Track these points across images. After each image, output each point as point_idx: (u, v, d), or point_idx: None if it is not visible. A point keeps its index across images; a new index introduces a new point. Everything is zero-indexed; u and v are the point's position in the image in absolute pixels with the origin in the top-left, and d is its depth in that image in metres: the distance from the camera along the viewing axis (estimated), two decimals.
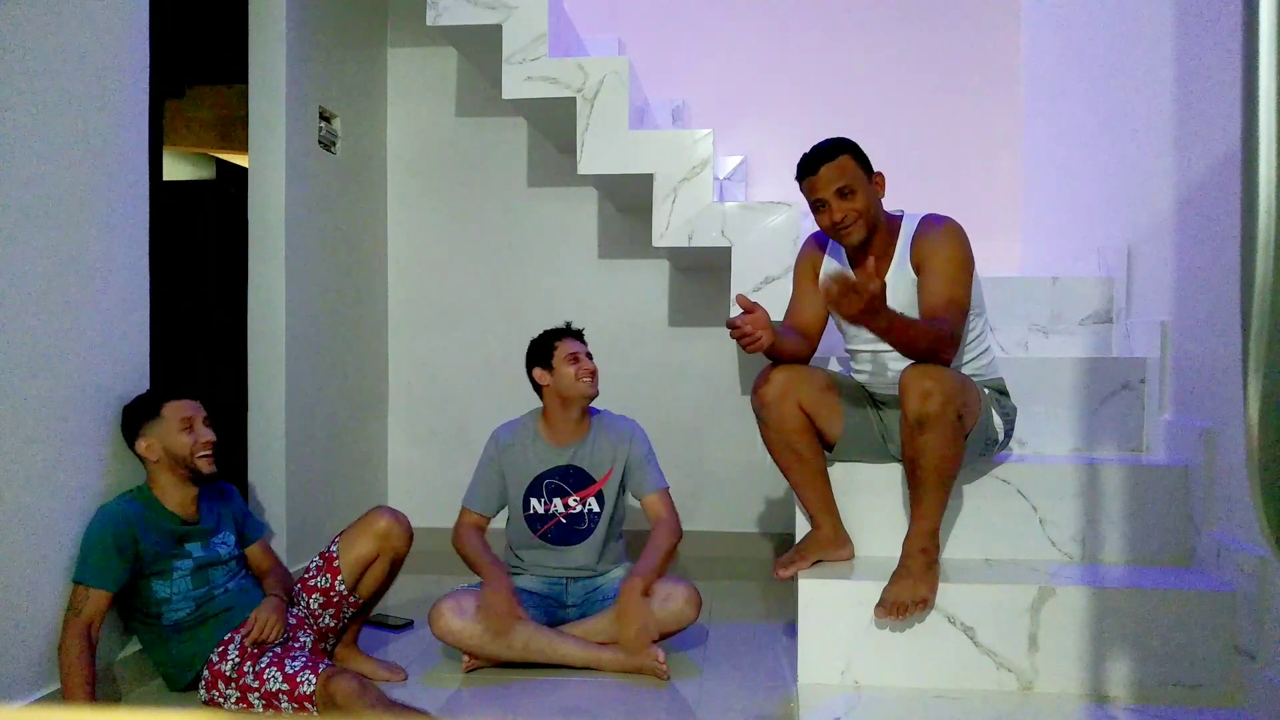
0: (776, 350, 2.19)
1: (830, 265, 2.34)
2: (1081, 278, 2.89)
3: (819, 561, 2.26)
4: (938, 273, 2.12)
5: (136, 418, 2.19)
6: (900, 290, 2.19)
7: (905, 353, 2.04)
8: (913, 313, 2.17)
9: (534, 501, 2.55)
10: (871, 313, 1.90)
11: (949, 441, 1.99)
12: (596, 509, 2.55)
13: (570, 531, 2.55)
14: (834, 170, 2.16)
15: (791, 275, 2.45)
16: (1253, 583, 1.91)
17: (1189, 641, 2.00)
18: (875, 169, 2.23)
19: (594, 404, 2.64)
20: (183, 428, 2.17)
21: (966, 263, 2.14)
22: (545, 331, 2.64)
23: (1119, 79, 2.81)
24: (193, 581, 2.16)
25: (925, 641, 2.07)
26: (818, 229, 2.34)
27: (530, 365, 2.59)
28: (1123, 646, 2.02)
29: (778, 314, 2.85)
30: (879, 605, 2.03)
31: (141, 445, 2.17)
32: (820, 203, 2.19)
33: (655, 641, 2.38)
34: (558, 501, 2.54)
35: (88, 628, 1.99)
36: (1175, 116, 2.37)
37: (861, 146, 2.22)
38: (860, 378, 2.37)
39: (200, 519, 2.23)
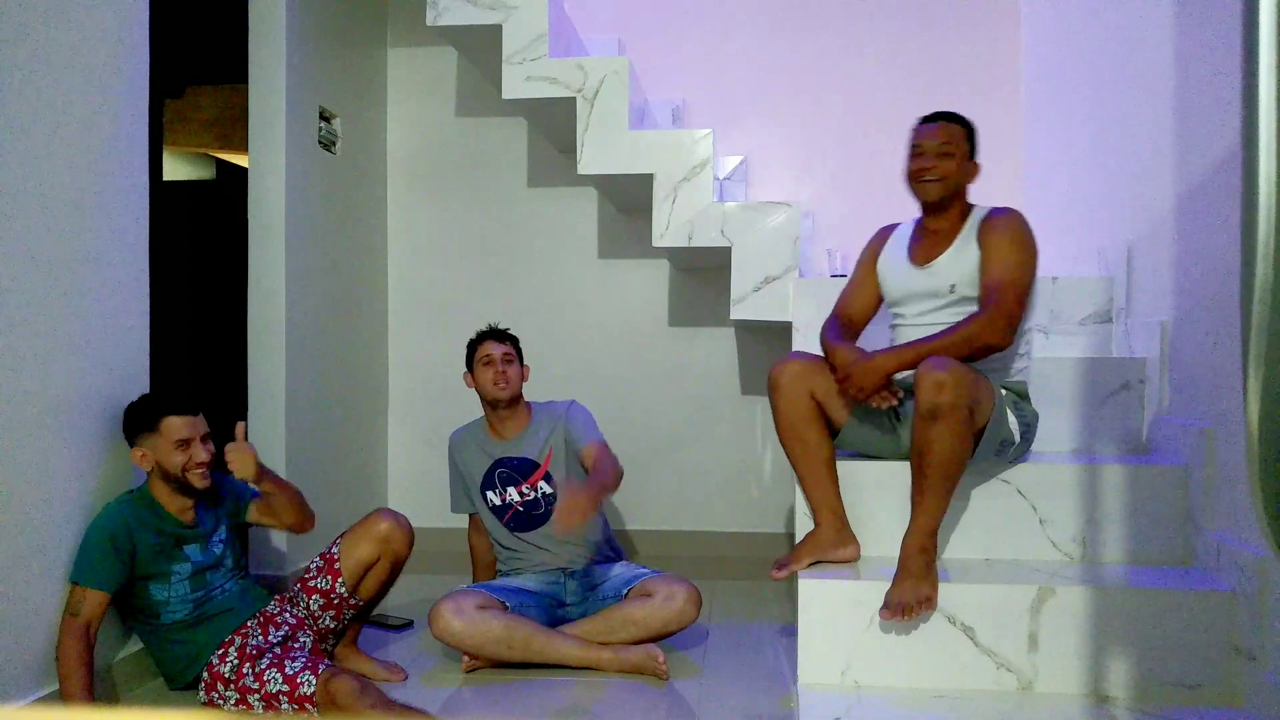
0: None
1: (889, 253, 2.42)
2: (1081, 278, 2.89)
3: (817, 563, 2.25)
4: (995, 255, 2.20)
5: (134, 425, 2.17)
6: (962, 267, 2.26)
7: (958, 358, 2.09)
8: (973, 289, 2.24)
9: (490, 494, 2.64)
10: (877, 375, 2.12)
11: (959, 435, 2.00)
12: (549, 490, 2.62)
13: (528, 517, 2.61)
14: (946, 131, 2.27)
15: (861, 268, 2.49)
16: (1253, 583, 1.91)
17: (1189, 641, 1.99)
18: (977, 160, 2.32)
19: (569, 394, 2.70)
20: (177, 446, 2.11)
21: (1027, 248, 2.21)
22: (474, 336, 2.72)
23: (1119, 79, 2.81)
24: (190, 585, 2.16)
25: (925, 641, 2.07)
26: (884, 225, 2.49)
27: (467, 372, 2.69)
28: (1123, 646, 2.02)
29: (778, 315, 2.86)
30: (884, 608, 2.02)
31: (136, 454, 2.15)
32: (919, 149, 2.29)
33: (656, 641, 2.39)
34: (511, 490, 2.62)
35: (86, 628, 1.99)
36: (1175, 116, 2.37)
37: (974, 130, 2.32)
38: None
39: (198, 523, 2.22)
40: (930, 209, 2.32)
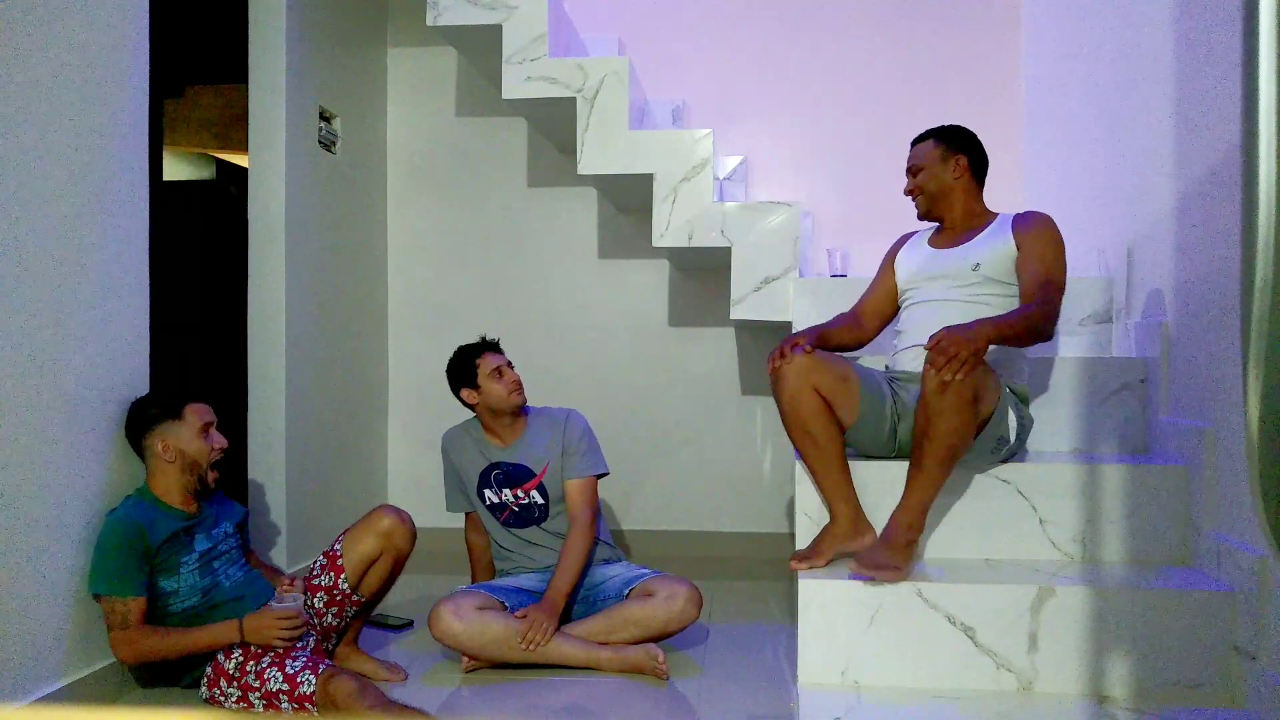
0: (823, 341, 2.36)
1: (907, 249, 2.54)
2: (1081, 278, 2.89)
3: (835, 559, 2.25)
4: (1035, 253, 2.29)
5: (153, 415, 2.19)
6: (995, 253, 2.34)
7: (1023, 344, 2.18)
8: (1008, 275, 2.33)
9: (488, 493, 2.64)
10: (976, 342, 2.03)
11: (963, 417, 2.01)
12: (541, 500, 2.61)
13: (526, 518, 2.63)
14: (914, 151, 2.49)
15: (880, 270, 2.60)
16: (1253, 583, 1.91)
17: (1189, 641, 1.99)
18: (956, 155, 2.44)
19: (567, 401, 2.70)
20: (202, 432, 2.19)
21: (1061, 249, 2.30)
22: (460, 350, 2.64)
23: (1119, 79, 2.81)
24: (199, 574, 2.17)
25: (925, 641, 2.07)
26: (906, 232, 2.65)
27: (456, 387, 2.61)
28: (1123, 646, 2.02)
29: (778, 315, 2.86)
30: (854, 562, 2.10)
31: (156, 444, 2.17)
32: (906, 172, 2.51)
33: (656, 641, 2.39)
34: (507, 491, 2.63)
35: (140, 632, 2.04)
36: (1175, 116, 2.37)
37: (959, 132, 2.47)
38: (903, 364, 2.44)
39: (201, 511, 2.24)
40: (930, 218, 2.50)
